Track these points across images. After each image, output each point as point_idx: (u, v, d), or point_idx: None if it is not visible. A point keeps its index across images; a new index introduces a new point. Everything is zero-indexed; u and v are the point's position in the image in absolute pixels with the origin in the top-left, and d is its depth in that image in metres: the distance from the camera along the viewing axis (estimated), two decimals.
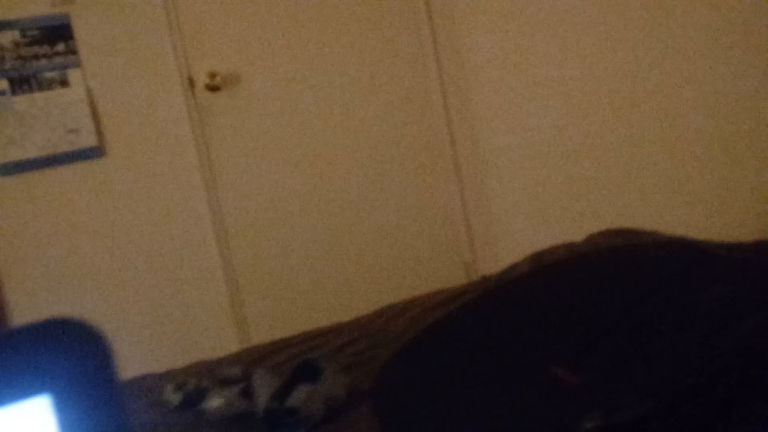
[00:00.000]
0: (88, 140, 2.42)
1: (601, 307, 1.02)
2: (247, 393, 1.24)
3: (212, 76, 2.53)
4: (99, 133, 2.43)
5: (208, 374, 1.40)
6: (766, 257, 1.33)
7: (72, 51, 2.40)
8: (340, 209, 2.70)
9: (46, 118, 2.38)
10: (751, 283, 1.02)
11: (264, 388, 1.21)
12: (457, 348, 1.07)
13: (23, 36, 2.36)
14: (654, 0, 1.91)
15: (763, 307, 0.94)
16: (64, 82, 2.39)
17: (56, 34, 2.39)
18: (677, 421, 0.84)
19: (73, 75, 2.41)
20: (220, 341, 2.52)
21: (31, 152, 2.38)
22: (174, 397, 1.31)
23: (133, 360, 2.26)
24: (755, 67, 1.68)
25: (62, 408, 0.37)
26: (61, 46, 2.39)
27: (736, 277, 1.05)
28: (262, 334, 2.47)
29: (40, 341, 0.37)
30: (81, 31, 2.42)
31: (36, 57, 2.37)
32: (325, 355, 1.38)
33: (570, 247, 1.63)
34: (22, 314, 2.35)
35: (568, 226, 2.29)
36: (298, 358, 1.36)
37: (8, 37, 2.35)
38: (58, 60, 2.39)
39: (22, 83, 2.36)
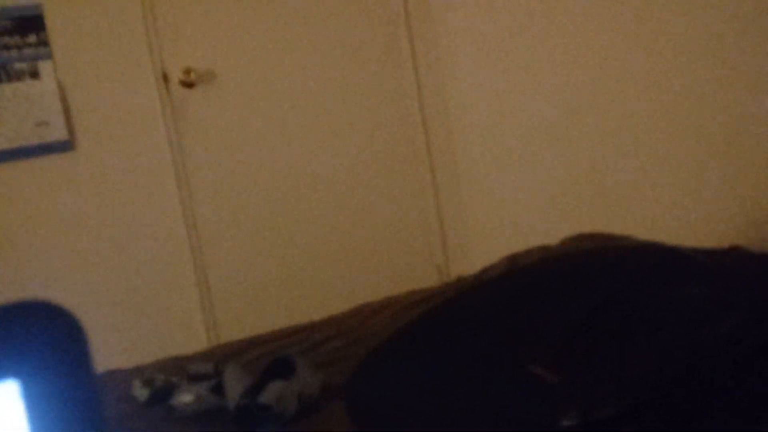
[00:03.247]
0: (57, 133, 2.37)
1: (579, 305, 1.02)
2: (218, 389, 1.22)
3: (187, 72, 2.50)
4: (69, 126, 2.39)
5: (177, 370, 1.38)
6: (738, 262, 1.35)
7: (44, 42, 2.35)
8: (314, 209, 2.69)
9: (16, 109, 2.32)
10: (726, 284, 1.03)
11: (235, 384, 1.19)
12: (434, 347, 1.06)
13: None
14: None
15: (739, 308, 0.95)
16: (34, 74, 2.34)
17: (28, 24, 2.34)
18: (654, 419, 0.84)
19: (44, 67, 2.36)
20: (189, 338, 2.48)
21: (0, 144, 2.32)
22: (142, 393, 1.28)
23: (101, 355, 2.21)
24: (738, 71, 1.70)
25: (32, 394, 0.35)
26: (32, 37, 2.34)
27: (711, 278, 1.06)
28: (231, 332, 2.44)
29: (8, 323, 0.36)
30: (53, 22, 2.37)
31: (6, 47, 2.32)
32: (299, 352, 1.36)
33: (545, 249, 1.64)
34: None
35: (541, 231, 2.30)
36: (271, 355, 1.34)
37: None
38: (28, 51, 2.34)
39: None
